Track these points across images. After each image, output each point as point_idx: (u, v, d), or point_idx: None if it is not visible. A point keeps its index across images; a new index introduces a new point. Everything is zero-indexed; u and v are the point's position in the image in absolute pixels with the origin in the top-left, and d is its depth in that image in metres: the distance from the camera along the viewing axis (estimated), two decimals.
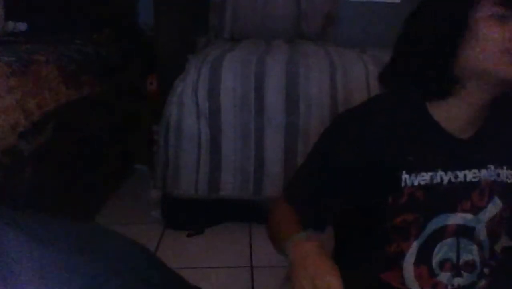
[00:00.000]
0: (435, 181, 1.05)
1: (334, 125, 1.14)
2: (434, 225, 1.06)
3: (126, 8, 3.27)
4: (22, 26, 2.70)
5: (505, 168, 1.10)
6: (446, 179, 1.05)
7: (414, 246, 1.07)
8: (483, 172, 1.08)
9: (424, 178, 1.05)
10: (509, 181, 1.10)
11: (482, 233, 1.09)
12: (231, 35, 2.87)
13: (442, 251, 1.07)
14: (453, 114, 1.06)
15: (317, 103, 2.23)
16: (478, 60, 1.00)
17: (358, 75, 2.28)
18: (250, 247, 2.16)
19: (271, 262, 1.92)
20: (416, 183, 1.05)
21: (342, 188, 1.07)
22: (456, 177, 1.06)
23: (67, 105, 2.10)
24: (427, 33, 1.04)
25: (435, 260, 1.07)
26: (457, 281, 1.09)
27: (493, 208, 1.09)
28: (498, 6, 0.99)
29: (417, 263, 1.07)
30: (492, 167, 1.08)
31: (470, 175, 1.07)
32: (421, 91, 1.06)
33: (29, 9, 2.71)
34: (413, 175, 1.04)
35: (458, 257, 1.08)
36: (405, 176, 1.04)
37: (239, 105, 2.24)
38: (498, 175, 1.09)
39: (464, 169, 1.07)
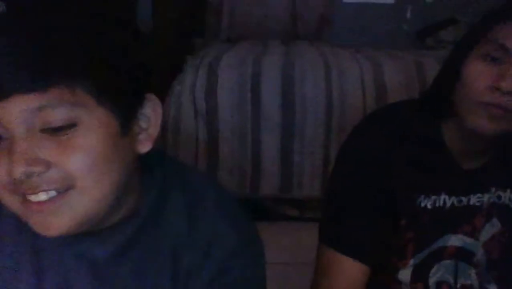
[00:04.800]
0: (437, 204, 1.04)
1: (353, 153, 1.06)
2: (434, 245, 1.06)
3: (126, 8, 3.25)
4: None
5: (508, 190, 1.08)
6: (449, 203, 1.04)
7: (410, 264, 1.06)
8: (486, 196, 1.06)
9: (428, 201, 1.04)
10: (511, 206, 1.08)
11: (481, 257, 1.08)
12: (228, 36, 2.88)
13: (440, 272, 1.07)
14: (461, 139, 1.02)
15: (312, 103, 2.25)
16: (460, 100, 0.97)
17: (353, 75, 2.29)
18: None
19: (268, 259, 1.89)
20: (423, 205, 1.04)
21: (379, 215, 1.03)
22: (460, 201, 1.05)
23: None
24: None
25: (431, 280, 1.07)
26: None
27: (491, 228, 1.07)
28: (489, 45, 0.94)
29: (413, 280, 1.07)
30: (493, 189, 1.07)
31: (474, 199, 1.06)
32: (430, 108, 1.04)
33: None
34: (421, 196, 1.03)
35: (455, 280, 1.07)
36: (420, 198, 1.03)
37: (236, 106, 2.25)
38: (499, 197, 1.07)
39: (468, 194, 1.05)
